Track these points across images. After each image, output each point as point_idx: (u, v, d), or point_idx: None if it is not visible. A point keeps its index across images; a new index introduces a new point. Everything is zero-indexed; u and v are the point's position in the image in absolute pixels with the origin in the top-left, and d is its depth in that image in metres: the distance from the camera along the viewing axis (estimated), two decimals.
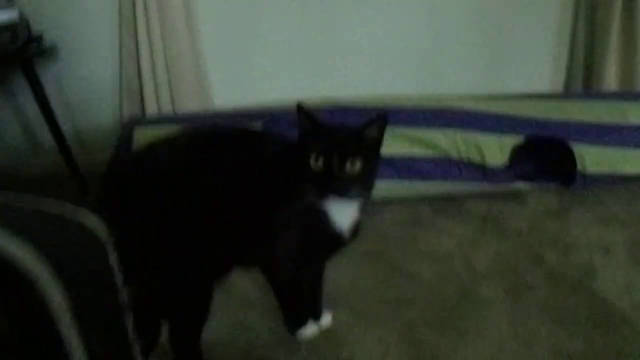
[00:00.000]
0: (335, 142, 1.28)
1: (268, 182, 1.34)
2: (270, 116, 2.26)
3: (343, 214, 1.37)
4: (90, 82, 2.87)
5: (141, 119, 2.59)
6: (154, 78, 2.67)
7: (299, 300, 1.59)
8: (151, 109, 2.69)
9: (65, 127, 2.78)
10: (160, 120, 2.50)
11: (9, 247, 0.82)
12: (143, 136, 2.26)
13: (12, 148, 3.04)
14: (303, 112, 1.34)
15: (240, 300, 1.80)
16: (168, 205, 1.29)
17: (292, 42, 2.74)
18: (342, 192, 1.29)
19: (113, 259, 0.98)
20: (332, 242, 1.41)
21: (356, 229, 1.42)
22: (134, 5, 2.61)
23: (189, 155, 1.34)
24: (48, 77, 2.78)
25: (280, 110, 2.30)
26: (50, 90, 2.71)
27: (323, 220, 1.37)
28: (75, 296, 0.85)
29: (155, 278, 1.33)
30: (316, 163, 1.27)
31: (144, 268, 1.31)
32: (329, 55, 2.75)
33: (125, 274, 0.99)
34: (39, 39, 2.59)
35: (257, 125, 2.20)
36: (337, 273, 1.79)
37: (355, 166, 1.27)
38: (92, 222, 0.99)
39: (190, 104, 2.69)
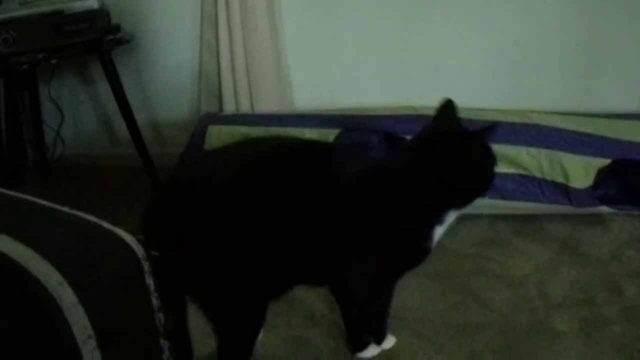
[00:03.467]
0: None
1: (345, 203, 1.40)
2: (350, 123, 2.34)
3: (443, 230, 1.45)
4: (168, 76, 3.02)
5: (216, 116, 2.72)
6: (233, 75, 2.77)
7: (364, 323, 1.68)
8: (229, 106, 2.80)
9: (141, 119, 2.92)
10: (235, 119, 2.63)
11: (35, 271, 0.87)
12: (217, 134, 2.40)
13: (89, 138, 3.25)
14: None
15: (303, 315, 1.89)
16: (232, 221, 1.36)
17: (376, 47, 2.79)
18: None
19: (149, 278, 1.03)
20: (419, 261, 1.48)
21: None
22: (216, 1, 2.72)
23: (256, 169, 1.40)
24: (126, 68, 2.92)
25: (360, 117, 2.39)
26: (127, 81, 2.84)
27: (423, 240, 1.44)
28: (103, 320, 0.91)
29: (208, 295, 1.41)
30: None
31: (195, 284, 1.40)
32: (413, 63, 2.79)
33: (164, 298, 1.05)
34: (117, 29, 2.72)
35: (336, 132, 2.29)
36: (405, 293, 1.89)
37: None
38: (129, 236, 1.04)
39: (269, 104, 2.78)
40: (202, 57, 2.87)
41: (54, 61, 2.72)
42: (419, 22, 2.73)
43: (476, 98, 2.65)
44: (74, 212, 1.08)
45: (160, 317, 1.04)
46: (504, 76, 2.76)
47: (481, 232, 2.34)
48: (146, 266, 1.02)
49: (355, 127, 2.36)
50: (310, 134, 2.31)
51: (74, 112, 3.27)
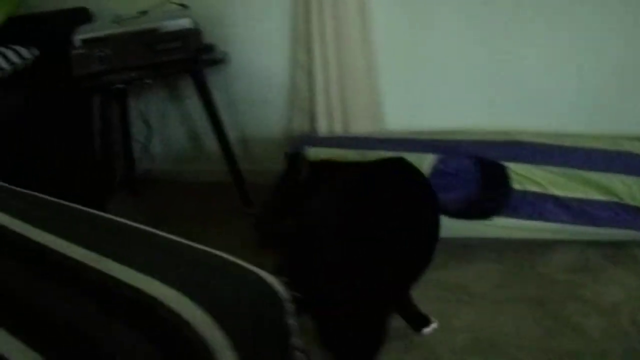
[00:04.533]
0: None
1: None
2: (446, 148, 2.43)
3: None
4: (259, 93, 3.14)
5: (311, 138, 2.82)
6: (327, 95, 2.86)
7: None
8: (322, 126, 2.89)
9: (232, 135, 3.02)
10: (331, 141, 2.73)
11: (186, 314, 0.92)
12: (313, 156, 2.49)
13: (177, 153, 3.39)
14: None
15: None
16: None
17: (468, 68, 2.83)
18: None
19: (291, 318, 1.08)
20: None
21: None
22: (308, 22, 2.82)
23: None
24: (217, 84, 3.03)
25: (455, 142, 2.47)
26: (218, 97, 2.96)
27: None
28: None
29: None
30: None
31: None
32: (506, 85, 2.81)
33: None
34: (210, 48, 2.86)
35: (432, 157, 2.39)
36: (501, 319, 1.96)
37: None
38: (271, 277, 1.10)
39: (361, 124, 2.86)
40: (294, 75, 2.98)
41: (148, 81, 2.85)
42: (514, 44, 2.76)
43: (566, 122, 2.69)
44: (211, 250, 1.15)
45: (300, 356, 1.10)
46: (595, 101, 2.76)
47: (572, 258, 2.37)
48: (288, 307, 1.07)
49: (451, 152, 2.42)
50: (408, 157, 2.37)
51: (162, 127, 3.40)
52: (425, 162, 2.37)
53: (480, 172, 2.46)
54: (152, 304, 0.94)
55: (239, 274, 1.09)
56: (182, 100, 3.30)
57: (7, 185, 1.64)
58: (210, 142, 3.06)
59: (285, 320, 1.07)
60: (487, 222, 2.34)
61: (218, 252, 1.14)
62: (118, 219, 1.37)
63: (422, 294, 1.95)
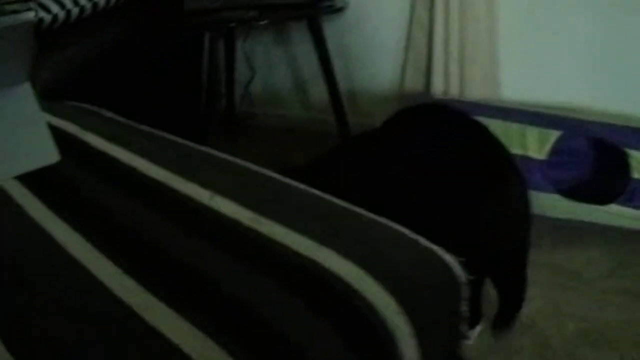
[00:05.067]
0: None
1: None
2: (570, 127, 2.34)
3: None
4: (372, 46, 3.06)
5: (426, 99, 2.73)
6: (446, 56, 2.77)
7: None
8: (437, 87, 2.81)
9: (340, 86, 2.94)
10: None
11: (370, 296, 0.84)
12: None
13: (279, 98, 3.35)
14: None
15: None
16: None
17: (591, 47, 2.71)
18: None
19: (465, 304, 0.99)
20: None
21: None
22: None
23: None
24: (329, 33, 2.94)
25: (578, 121, 2.37)
26: (330, 46, 2.88)
27: None
28: (425, 352, 0.86)
29: None
30: None
31: None
32: (631, 68, 2.69)
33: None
34: None
35: (556, 134, 2.28)
36: (609, 311, 1.93)
37: None
38: (450, 258, 1.01)
39: (477, 89, 2.77)
40: (412, 33, 2.88)
41: (262, 22, 2.79)
42: None
43: None
44: (377, 218, 1.06)
45: (462, 344, 1.02)
46: None
47: None
48: (464, 293, 0.99)
49: (574, 131, 2.33)
50: (530, 132, 2.30)
51: (265, 70, 3.36)
52: (549, 138, 2.27)
53: (598, 155, 2.38)
54: (330, 281, 0.86)
55: (418, 253, 0.99)
56: (289, 45, 3.24)
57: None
58: (316, 90, 3.03)
59: (460, 307, 0.99)
60: (601, 207, 2.22)
61: (385, 221, 1.04)
62: (258, 167, 1.32)
63: (531, 275, 1.86)
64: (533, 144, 2.23)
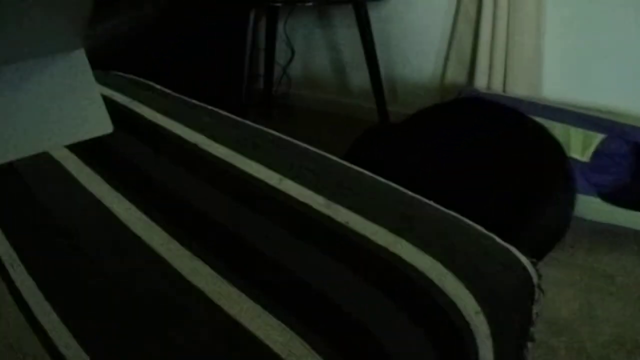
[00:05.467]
0: None
1: None
2: (615, 130, 2.31)
3: None
4: (415, 35, 3.04)
5: (471, 92, 2.69)
6: (491, 51, 2.75)
7: None
8: (480, 81, 2.78)
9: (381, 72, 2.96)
10: (493, 99, 2.58)
11: (451, 293, 0.82)
12: None
13: (317, 81, 3.35)
14: None
15: None
16: None
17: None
18: None
19: (537, 307, 0.96)
20: None
21: None
22: None
23: None
24: (373, 19, 2.94)
25: (620, 125, 2.35)
26: (374, 32, 2.89)
27: None
28: (497, 354, 0.84)
29: None
30: None
31: None
32: None
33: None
34: None
35: (600, 137, 2.27)
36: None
37: None
38: (525, 259, 0.98)
39: (520, 86, 2.75)
40: (457, 24, 2.86)
41: (309, 4, 2.83)
42: None
43: None
44: (457, 216, 1.04)
45: (529, 347, 0.99)
46: None
47: None
48: (537, 295, 0.96)
49: (618, 134, 2.32)
50: (575, 134, 2.30)
51: (305, 52, 3.37)
52: (593, 141, 2.26)
53: (637, 160, 2.35)
54: (411, 274, 0.83)
55: (495, 252, 0.95)
56: (331, 29, 3.23)
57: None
58: (356, 76, 3.03)
59: (532, 310, 0.96)
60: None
61: (454, 214, 1.02)
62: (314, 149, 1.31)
63: (566, 276, 1.92)
64: (577, 146, 2.23)
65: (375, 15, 2.97)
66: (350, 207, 0.99)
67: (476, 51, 2.79)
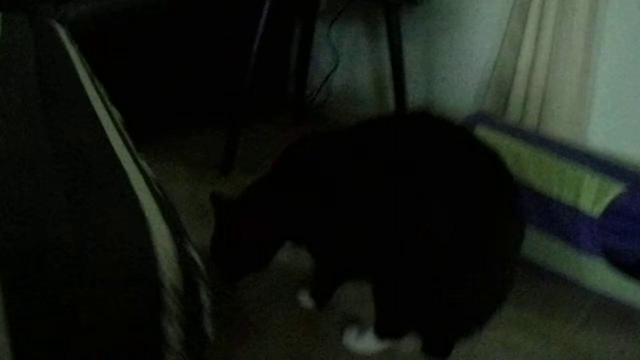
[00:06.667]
0: None
1: None
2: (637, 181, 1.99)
3: None
4: (454, 55, 2.87)
5: (489, 118, 2.39)
6: (529, 80, 2.51)
7: None
8: (514, 112, 2.56)
9: (414, 90, 2.87)
10: (509, 129, 2.29)
11: None
12: (483, 137, 2.12)
13: (357, 92, 3.23)
14: None
15: None
16: None
17: None
18: None
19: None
20: None
21: None
22: None
23: None
24: (413, 33, 2.88)
25: None
26: (410, 47, 2.85)
27: None
28: None
29: None
30: None
31: None
32: None
33: None
34: None
35: (620, 186, 1.94)
36: None
37: None
38: None
39: (558, 126, 2.49)
40: (502, 48, 2.62)
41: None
42: None
43: None
44: None
45: None
46: None
47: None
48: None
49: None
50: (589, 182, 1.97)
51: (348, 61, 3.25)
52: (609, 192, 1.94)
53: None
54: None
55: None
56: (377, 39, 3.10)
57: None
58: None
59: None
60: None
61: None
62: None
63: (545, 352, 1.72)
64: (588, 196, 1.93)
65: (415, 26, 2.89)
66: None
67: (513, 80, 2.56)
